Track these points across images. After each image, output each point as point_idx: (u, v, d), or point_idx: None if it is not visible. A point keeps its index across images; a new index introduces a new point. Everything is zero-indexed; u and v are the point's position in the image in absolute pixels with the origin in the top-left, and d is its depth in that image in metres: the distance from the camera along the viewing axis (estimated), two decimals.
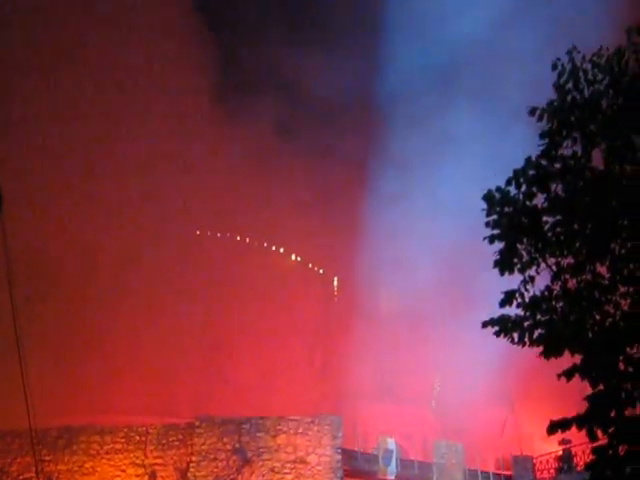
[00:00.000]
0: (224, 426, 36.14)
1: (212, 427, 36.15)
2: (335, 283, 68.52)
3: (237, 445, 35.56)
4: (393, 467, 38.27)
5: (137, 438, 36.64)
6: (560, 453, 44.77)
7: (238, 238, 65.01)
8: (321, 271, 68.05)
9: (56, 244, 49.23)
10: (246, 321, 56.60)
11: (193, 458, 35.57)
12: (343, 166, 59.43)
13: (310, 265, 67.69)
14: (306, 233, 60.29)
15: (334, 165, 60.12)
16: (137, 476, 35.79)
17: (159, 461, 36.21)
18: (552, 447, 45.15)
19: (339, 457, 35.57)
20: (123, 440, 36.60)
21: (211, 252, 60.14)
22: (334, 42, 61.00)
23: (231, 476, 34.95)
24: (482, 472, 42.89)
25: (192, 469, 35.30)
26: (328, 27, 62.63)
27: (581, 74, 10.04)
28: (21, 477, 35.59)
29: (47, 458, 35.59)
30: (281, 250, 66.32)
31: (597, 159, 10.17)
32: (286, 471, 35.00)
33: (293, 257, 67.15)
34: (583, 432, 9.79)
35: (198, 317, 57.63)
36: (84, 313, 50.79)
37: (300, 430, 35.84)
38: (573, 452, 42.44)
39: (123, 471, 35.91)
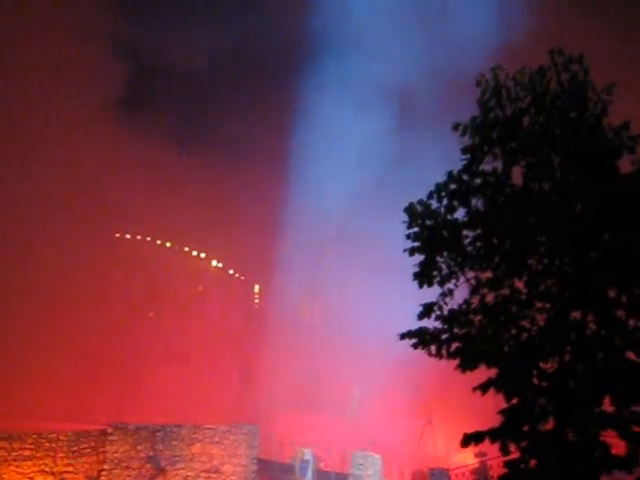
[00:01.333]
0: (138, 434, 35.37)
1: (126, 435, 35.32)
2: (256, 290, 68.26)
3: (151, 453, 34.85)
4: (309, 478, 38.14)
5: (47, 445, 35.44)
6: (476, 466, 45.39)
7: (159, 242, 64.09)
8: (242, 278, 67.68)
9: None
10: (163, 327, 55.83)
11: (105, 466, 34.65)
12: (267, 171, 59.22)
13: (231, 272, 67.25)
14: (228, 239, 59.87)
15: (257, 170, 59.85)
16: None
17: (69, 469, 35.13)
18: (469, 460, 45.82)
19: (255, 467, 35.26)
20: (32, 446, 35.35)
21: (129, 255, 59.06)
22: None
23: None
24: None
25: (104, 477, 34.37)
26: None
27: (504, 92, 10.15)
28: None
29: None
30: (202, 255, 65.66)
31: (517, 176, 10.28)
32: None
33: (214, 263, 66.58)
34: (499, 445, 9.86)
35: (113, 321, 56.49)
36: None
37: (216, 439, 35.38)
38: (489, 465, 43.06)
39: (31, 479, 34.74)
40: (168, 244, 63.69)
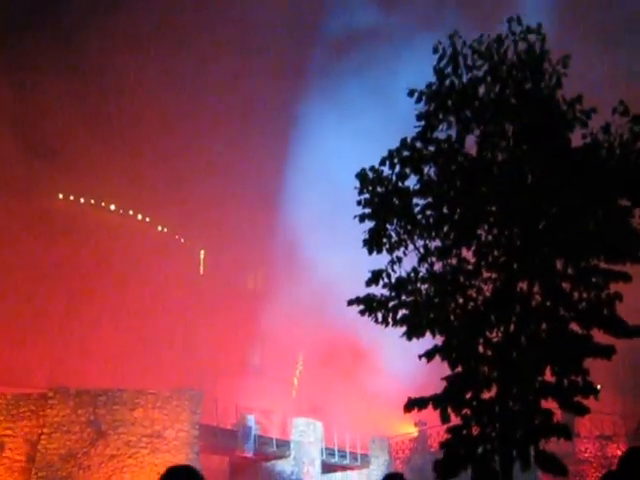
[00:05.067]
0: (79, 397, 35.07)
1: (66, 398, 34.99)
2: (202, 256, 67.80)
3: (92, 417, 34.60)
4: (251, 444, 38.35)
5: None
6: (415, 435, 46.25)
7: (103, 204, 63.09)
8: (183, 241, 67.00)
9: None
10: (107, 291, 55.20)
11: (45, 430, 34.32)
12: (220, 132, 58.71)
13: (177, 237, 66.66)
14: (174, 203, 59.28)
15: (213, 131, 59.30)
16: None
17: (8, 432, 34.74)
18: (409, 430, 46.59)
19: (197, 432, 35.26)
20: None
21: (71, 218, 58.12)
22: None
23: (84, 449, 33.99)
24: (339, 450, 43.68)
25: (43, 441, 34.06)
26: None
27: (461, 59, 10.10)
28: None
29: None
30: (147, 219, 64.87)
31: (470, 145, 10.29)
32: (142, 445, 34.38)
33: (159, 228, 65.87)
34: (438, 415, 9.94)
35: (55, 284, 55.68)
36: None
37: (158, 404, 35.27)
38: (428, 434, 43.91)
39: None
40: (112, 207, 62.74)
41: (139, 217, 64.31)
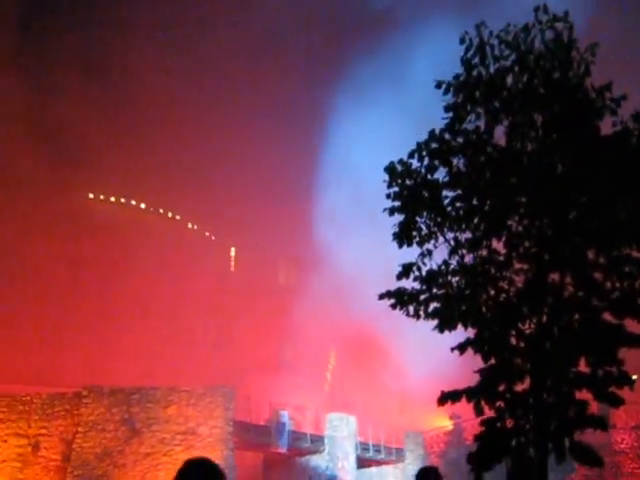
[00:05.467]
0: (113, 396, 35.39)
1: (100, 397, 35.33)
2: (232, 254, 68.06)
3: (126, 416, 34.90)
4: (285, 439, 38.45)
5: (20, 407, 35.42)
6: (450, 428, 46.06)
7: (133, 203, 63.57)
8: (213, 238, 67.24)
9: None
10: (138, 290, 55.61)
11: (80, 429, 34.66)
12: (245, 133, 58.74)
13: (207, 234, 66.94)
14: (204, 201, 59.50)
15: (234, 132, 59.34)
16: (19, 447, 34.65)
17: (43, 431, 35.15)
18: (444, 423, 46.42)
19: (230, 429, 35.40)
20: (5, 409, 35.33)
21: (103, 217, 58.63)
22: None
23: (119, 447, 34.30)
24: (373, 445, 43.63)
25: (78, 440, 34.41)
26: None
27: (488, 50, 10.03)
28: None
29: None
30: (177, 217, 65.24)
31: (499, 135, 10.22)
32: (176, 442, 34.59)
33: (189, 225, 66.19)
34: (472, 408, 9.90)
35: (87, 284, 56.23)
36: None
37: (192, 401, 35.47)
38: (463, 427, 43.69)
39: (5, 442, 34.69)
40: (142, 205, 63.20)
41: (169, 215, 64.72)
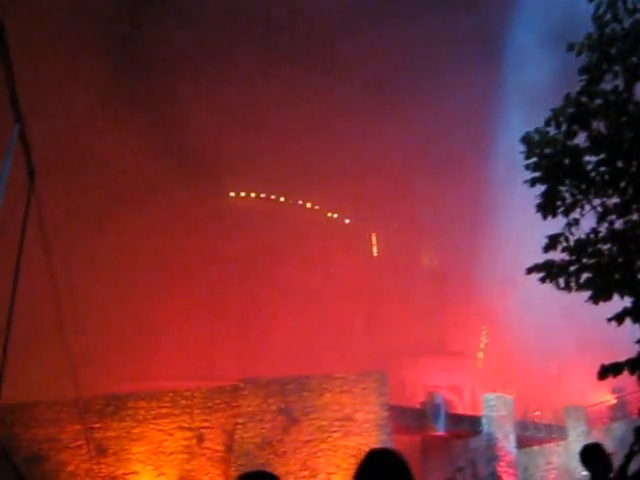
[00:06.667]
0: (269, 387, 36.28)
1: (257, 388, 36.31)
2: (374, 240, 68.19)
3: (282, 405, 35.69)
4: (442, 422, 38.22)
5: (183, 402, 36.94)
6: (613, 402, 44.28)
7: (272, 197, 64.85)
8: (354, 225, 67.46)
9: None
10: (284, 282, 56.66)
11: (239, 420, 35.76)
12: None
13: (347, 221, 67.35)
14: (341, 188, 59.80)
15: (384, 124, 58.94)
16: (185, 439, 36.14)
17: (206, 424, 36.49)
18: (604, 397, 44.70)
19: (386, 414, 35.50)
20: (169, 405, 36.93)
21: (245, 214, 60.14)
22: None
23: (278, 436, 35.11)
24: (533, 423, 42.67)
25: (239, 431, 35.51)
26: None
27: (620, 3, 9.48)
28: (72, 445, 36.12)
29: (96, 426, 36.09)
30: (316, 207, 66.00)
31: None
32: (334, 429, 35.03)
33: (329, 214, 66.82)
34: (635, 381, 9.43)
35: (236, 279, 57.86)
36: (125, 286, 51.26)
37: (345, 388, 35.82)
38: (627, 400, 41.87)
39: (171, 435, 36.26)
40: (282, 199, 64.34)
41: (308, 206, 65.60)
